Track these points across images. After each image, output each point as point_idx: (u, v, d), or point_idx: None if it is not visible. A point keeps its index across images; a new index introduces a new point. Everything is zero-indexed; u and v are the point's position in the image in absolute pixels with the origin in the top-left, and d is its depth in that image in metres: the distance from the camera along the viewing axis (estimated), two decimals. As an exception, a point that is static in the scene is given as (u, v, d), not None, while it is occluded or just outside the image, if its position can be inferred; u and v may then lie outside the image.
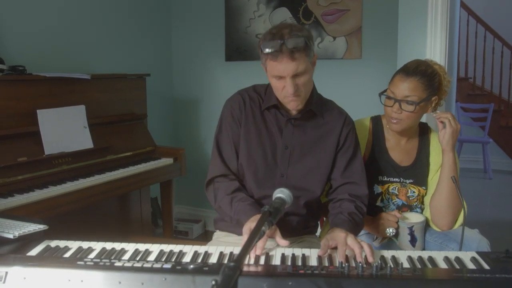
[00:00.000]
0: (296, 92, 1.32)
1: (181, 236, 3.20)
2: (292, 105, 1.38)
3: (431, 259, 1.11)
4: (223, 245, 1.22)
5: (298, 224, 1.47)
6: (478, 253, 1.12)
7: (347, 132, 1.47)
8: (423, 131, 1.67)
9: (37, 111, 1.99)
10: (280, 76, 1.31)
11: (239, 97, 1.49)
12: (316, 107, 1.46)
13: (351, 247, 1.14)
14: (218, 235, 1.55)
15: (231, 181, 1.45)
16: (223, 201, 1.41)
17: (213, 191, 1.47)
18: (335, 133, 1.46)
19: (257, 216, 1.25)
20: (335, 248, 1.17)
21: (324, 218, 1.75)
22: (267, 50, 1.28)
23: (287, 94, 1.34)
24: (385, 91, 1.58)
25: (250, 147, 1.44)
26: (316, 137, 1.46)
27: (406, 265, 1.07)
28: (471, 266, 1.07)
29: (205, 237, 3.21)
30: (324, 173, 1.46)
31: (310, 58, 1.33)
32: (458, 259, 1.10)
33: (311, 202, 1.47)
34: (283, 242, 1.17)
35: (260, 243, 1.13)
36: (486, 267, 1.05)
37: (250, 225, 1.22)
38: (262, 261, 1.12)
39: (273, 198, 1.05)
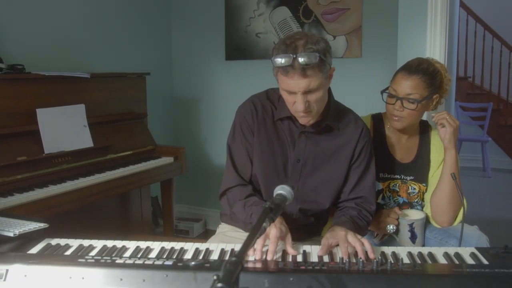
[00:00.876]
0: (307, 108, 1.26)
1: (182, 235, 3.20)
2: (303, 120, 1.33)
3: (431, 254, 1.11)
4: (225, 242, 1.22)
5: (306, 232, 1.46)
6: (478, 248, 1.13)
7: (363, 145, 1.42)
8: (424, 129, 1.67)
9: (37, 110, 1.99)
10: (290, 91, 1.26)
11: (251, 105, 1.43)
12: (333, 120, 1.39)
13: (352, 244, 1.14)
14: (223, 228, 1.54)
15: (245, 187, 1.42)
16: (236, 206, 1.39)
17: (227, 201, 1.44)
18: (350, 146, 1.41)
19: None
20: (336, 246, 1.17)
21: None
22: (278, 63, 1.21)
23: (297, 110, 1.28)
24: (386, 89, 1.59)
25: (261, 159, 1.41)
26: (330, 150, 1.41)
27: (406, 260, 1.08)
28: (470, 261, 1.07)
29: (205, 236, 3.21)
30: (335, 186, 1.42)
31: (324, 74, 1.24)
32: (457, 255, 1.10)
33: (320, 213, 1.46)
34: (291, 251, 1.16)
35: (271, 247, 1.12)
36: (485, 262, 1.06)
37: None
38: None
39: (274, 195, 1.05)
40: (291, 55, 1.19)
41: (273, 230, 1.15)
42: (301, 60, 1.18)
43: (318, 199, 1.42)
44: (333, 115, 1.40)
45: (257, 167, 1.41)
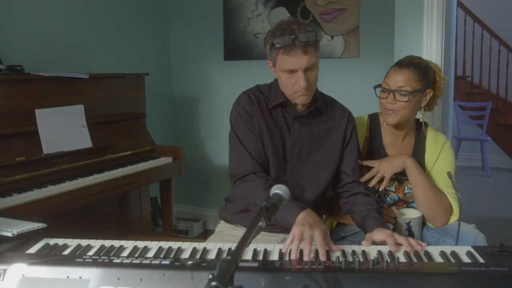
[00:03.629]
0: (307, 86, 1.35)
1: (181, 235, 3.20)
2: (302, 99, 1.39)
3: (427, 253, 1.12)
4: (224, 240, 1.23)
5: None
6: (474, 247, 1.13)
7: (352, 128, 1.52)
8: (419, 128, 1.67)
9: (35, 110, 1.99)
10: (291, 70, 1.33)
11: (246, 96, 1.49)
12: (321, 104, 1.48)
13: (399, 241, 1.18)
14: (222, 226, 1.56)
15: (265, 178, 1.42)
16: (259, 197, 1.37)
17: (244, 188, 1.43)
18: (341, 129, 1.50)
19: (304, 219, 1.22)
20: (381, 244, 1.20)
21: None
22: (279, 45, 1.30)
23: (297, 89, 1.36)
24: (380, 85, 1.60)
25: (263, 144, 1.45)
26: (323, 133, 1.49)
27: (402, 259, 1.08)
28: (466, 260, 1.08)
29: (205, 236, 3.21)
30: (332, 168, 1.49)
31: (318, 53, 1.36)
32: (454, 253, 1.11)
33: (318, 199, 1.50)
34: (335, 248, 1.17)
35: (321, 250, 1.11)
36: (481, 260, 1.06)
37: (301, 229, 1.15)
38: (260, 256, 1.13)
39: (271, 194, 1.05)
40: (291, 36, 1.28)
41: (317, 232, 1.14)
42: (301, 38, 1.29)
43: (317, 182, 1.47)
44: (320, 99, 1.49)
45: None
